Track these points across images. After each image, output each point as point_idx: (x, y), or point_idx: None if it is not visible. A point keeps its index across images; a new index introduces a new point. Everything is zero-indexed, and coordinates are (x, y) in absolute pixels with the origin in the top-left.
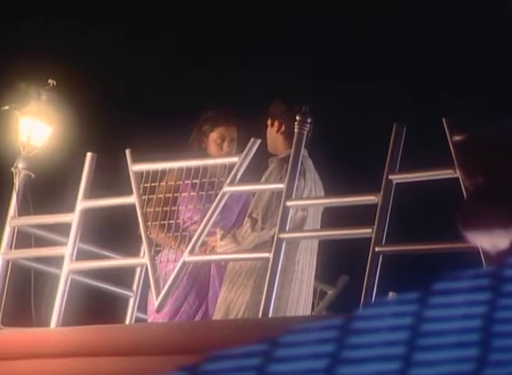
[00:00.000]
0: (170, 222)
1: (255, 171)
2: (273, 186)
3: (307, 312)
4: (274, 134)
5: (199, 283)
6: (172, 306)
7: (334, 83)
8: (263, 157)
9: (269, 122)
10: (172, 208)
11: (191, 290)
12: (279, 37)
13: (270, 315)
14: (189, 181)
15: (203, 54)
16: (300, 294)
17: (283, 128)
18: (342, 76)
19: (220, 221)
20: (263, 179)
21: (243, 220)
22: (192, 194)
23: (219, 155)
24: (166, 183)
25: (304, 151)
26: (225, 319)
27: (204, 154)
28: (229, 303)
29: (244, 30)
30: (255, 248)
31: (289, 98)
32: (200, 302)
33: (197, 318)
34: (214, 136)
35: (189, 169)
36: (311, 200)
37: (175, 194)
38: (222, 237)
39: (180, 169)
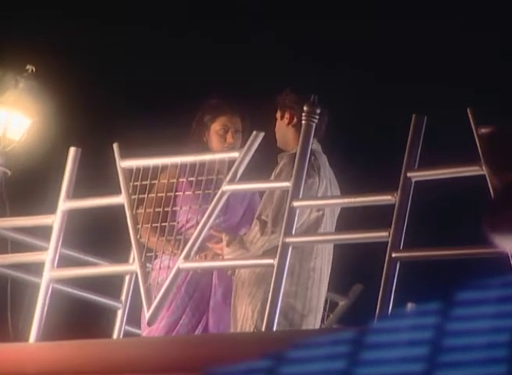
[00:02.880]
0: (163, 224)
1: (259, 168)
2: (279, 184)
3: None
4: (284, 127)
5: (199, 293)
6: (169, 319)
7: (346, 71)
8: (269, 152)
9: (279, 113)
10: (166, 209)
11: (190, 301)
12: (286, 23)
13: (276, 328)
14: (184, 179)
15: (200, 37)
16: (318, 304)
17: (295, 120)
18: (353, 63)
19: (221, 223)
20: (272, 177)
21: (247, 222)
22: (187, 193)
23: (222, 149)
24: (159, 181)
25: (317, 146)
26: (226, 333)
27: (205, 148)
28: (237, 319)
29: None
30: (263, 254)
31: (301, 87)
32: (201, 315)
33: (197, 332)
34: (216, 127)
35: (184, 166)
36: (321, 200)
37: (168, 194)
38: (229, 243)
39: (175, 166)
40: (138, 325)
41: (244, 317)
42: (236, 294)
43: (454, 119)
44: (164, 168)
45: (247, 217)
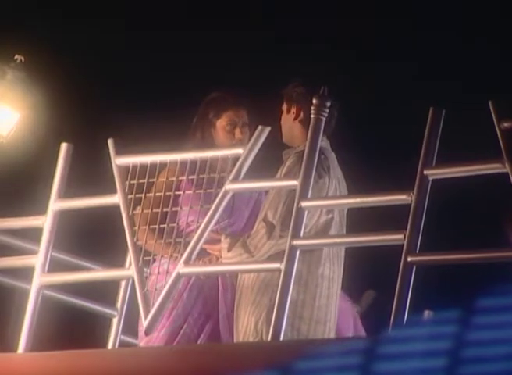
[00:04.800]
0: (162, 226)
1: (263, 165)
2: (285, 183)
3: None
4: (290, 122)
5: (202, 300)
6: (169, 328)
7: (358, 61)
8: (274, 149)
9: (285, 107)
10: (165, 209)
11: (192, 308)
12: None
13: (283, 337)
14: (184, 177)
15: (200, 24)
16: (327, 314)
17: (302, 115)
18: (364, 53)
19: (228, 227)
20: (279, 176)
21: (252, 225)
22: (188, 192)
23: (231, 145)
24: (157, 179)
25: (326, 144)
26: (230, 343)
27: (210, 146)
28: (239, 329)
29: None
30: (268, 258)
31: (310, 79)
32: (204, 323)
33: (200, 342)
34: (222, 122)
35: (185, 163)
36: (331, 200)
37: (167, 193)
38: (230, 247)
39: (174, 163)
40: (135, 334)
41: (247, 326)
42: (238, 302)
43: (475, 112)
44: (163, 165)
45: (253, 220)
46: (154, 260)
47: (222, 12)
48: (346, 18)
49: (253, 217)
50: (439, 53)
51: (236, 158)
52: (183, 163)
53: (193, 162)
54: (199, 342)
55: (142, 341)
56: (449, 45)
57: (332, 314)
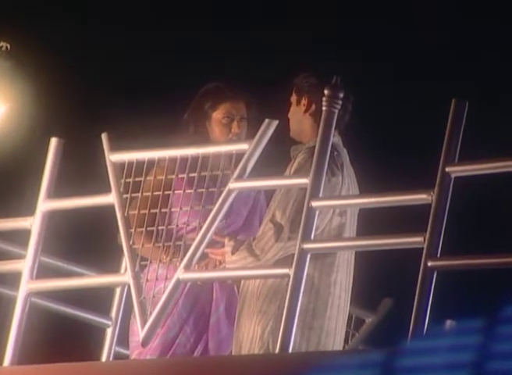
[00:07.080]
0: (160, 228)
1: (269, 162)
2: (295, 181)
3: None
4: (300, 115)
5: (199, 308)
6: (163, 338)
7: (372, 58)
8: (281, 144)
9: (294, 98)
10: (163, 210)
11: (189, 317)
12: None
13: (291, 349)
14: (184, 175)
15: (200, 14)
16: (337, 326)
17: (313, 107)
18: (374, 45)
19: (225, 228)
20: (288, 174)
21: (250, 227)
22: (188, 191)
23: (227, 140)
24: (155, 177)
25: (338, 140)
26: (231, 355)
27: (204, 140)
28: (241, 340)
29: None
30: (275, 263)
31: (320, 69)
32: (200, 333)
33: (196, 353)
34: (218, 115)
35: (184, 160)
36: (343, 200)
37: (166, 192)
38: (234, 250)
39: (173, 160)
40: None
41: (253, 337)
42: (241, 311)
43: (499, 104)
44: (160, 162)
45: (250, 220)
46: (151, 264)
47: (221, 11)
48: (356, 17)
49: (251, 217)
50: (458, 49)
51: (240, 155)
52: (183, 160)
53: (194, 159)
54: (196, 354)
55: (134, 352)
56: (472, 40)
57: (341, 324)
